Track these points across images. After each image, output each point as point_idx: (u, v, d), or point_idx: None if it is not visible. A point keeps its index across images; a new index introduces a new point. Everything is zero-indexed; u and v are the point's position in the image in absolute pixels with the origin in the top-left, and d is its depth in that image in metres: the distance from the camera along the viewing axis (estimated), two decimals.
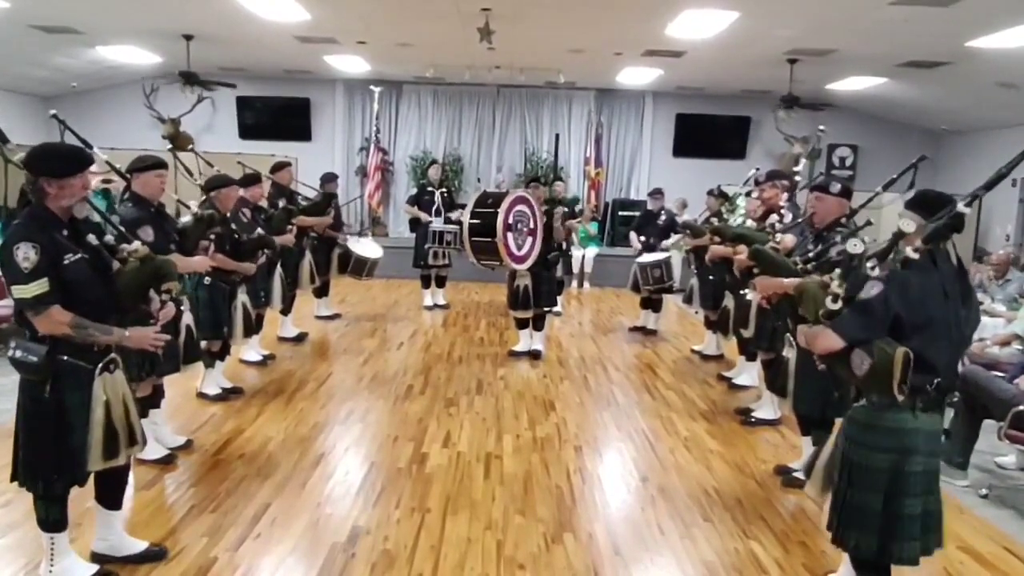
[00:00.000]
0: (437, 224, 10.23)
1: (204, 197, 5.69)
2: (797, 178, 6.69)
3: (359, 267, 9.40)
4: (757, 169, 8.04)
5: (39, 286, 3.12)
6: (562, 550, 4.11)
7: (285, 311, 8.29)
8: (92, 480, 3.55)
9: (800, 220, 5.46)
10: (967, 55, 9.43)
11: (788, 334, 4.80)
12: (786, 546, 4.25)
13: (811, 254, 4.21)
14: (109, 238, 3.50)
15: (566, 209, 8.85)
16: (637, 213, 11.37)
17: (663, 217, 9.70)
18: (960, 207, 3.00)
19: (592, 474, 5.21)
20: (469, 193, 13.69)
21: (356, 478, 4.95)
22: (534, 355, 8.17)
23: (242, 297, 6.18)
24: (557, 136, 14.62)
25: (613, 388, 7.32)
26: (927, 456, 3.15)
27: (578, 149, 15.58)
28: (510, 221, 7.52)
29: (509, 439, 5.78)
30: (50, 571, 3.47)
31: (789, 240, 5.07)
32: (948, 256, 3.17)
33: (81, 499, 3.73)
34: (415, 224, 10.60)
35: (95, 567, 3.60)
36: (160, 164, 4.81)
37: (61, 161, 3.28)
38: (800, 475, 5.04)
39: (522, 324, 8.30)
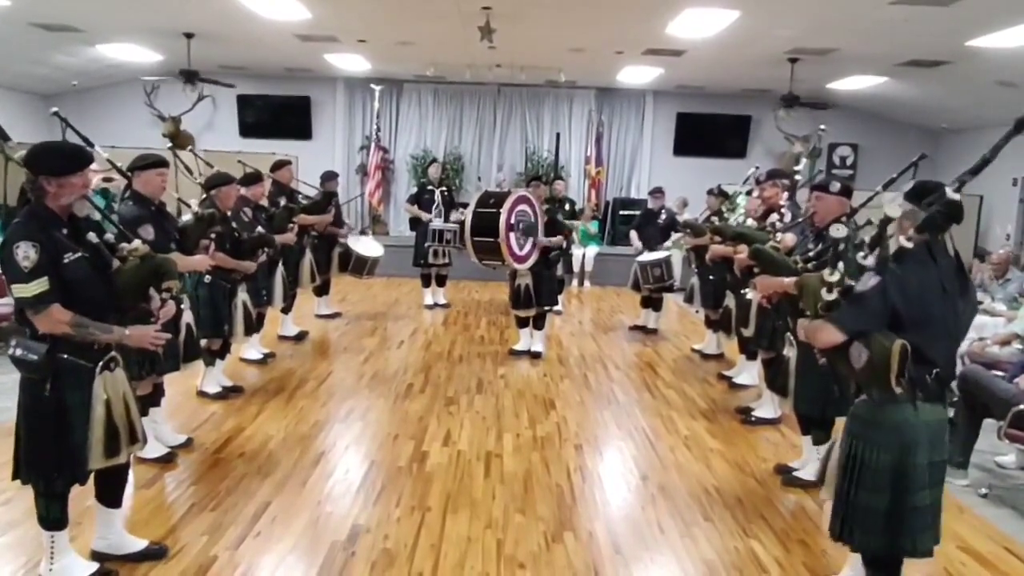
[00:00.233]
0: (437, 223, 10.23)
1: (204, 196, 5.69)
2: (797, 177, 6.69)
3: (359, 266, 9.40)
4: (757, 167, 8.03)
5: (39, 285, 3.12)
6: (562, 549, 4.11)
7: (286, 310, 8.30)
8: (92, 478, 3.54)
9: (800, 219, 5.46)
10: (967, 54, 9.42)
11: (788, 333, 4.80)
12: (786, 545, 4.25)
13: (811, 253, 4.21)
14: (109, 236, 3.49)
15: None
16: (637, 212, 11.37)
17: (663, 216, 9.70)
18: (949, 192, 3.00)
19: (592, 473, 5.22)
20: (470, 192, 13.72)
21: (356, 476, 4.95)
22: (534, 354, 8.17)
23: (242, 296, 6.17)
24: (558, 135, 14.63)
25: (613, 387, 7.32)
26: (931, 448, 3.15)
27: (579, 148, 15.58)
28: (512, 221, 7.52)
29: (509, 438, 5.78)
30: (50, 569, 3.47)
31: (789, 239, 5.07)
32: (946, 250, 3.17)
33: (81, 497, 3.73)
34: (415, 223, 10.61)
35: (95, 565, 3.60)
36: (161, 162, 4.81)
37: (61, 159, 3.28)
38: (801, 474, 5.06)
39: (523, 323, 8.30)
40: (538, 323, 8.25)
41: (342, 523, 4.29)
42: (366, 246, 9.70)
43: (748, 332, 6.30)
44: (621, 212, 14.81)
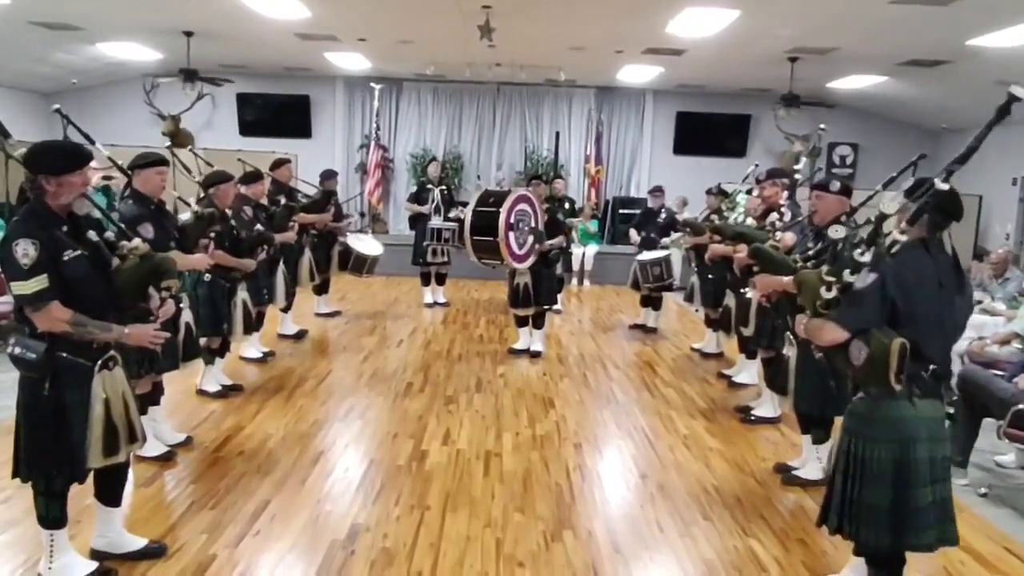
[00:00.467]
0: (436, 222, 10.23)
1: (203, 194, 5.69)
2: (797, 176, 6.68)
3: (359, 264, 9.40)
4: (756, 166, 8.03)
5: (38, 282, 3.12)
6: (561, 548, 4.11)
7: (285, 308, 8.30)
8: (92, 477, 3.55)
9: (800, 218, 5.46)
10: (967, 54, 9.43)
11: (788, 332, 4.80)
12: (785, 544, 4.25)
13: (811, 252, 4.21)
14: (110, 235, 3.49)
15: None
16: (637, 211, 11.38)
17: (663, 215, 9.70)
18: (937, 183, 3.00)
19: (592, 472, 5.22)
20: (469, 191, 13.72)
21: (356, 475, 4.95)
22: (533, 354, 8.17)
23: (242, 294, 6.17)
24: (557, 134, 14.63)
25: (613, 386, 7.33)
26: (931, 443, 3.15)
27: (578, 147, 15.58)
28: (512, 220, 7.52)
29: (509, 437, 5.78)
30: (50, 568, 3.47)
31: (789, 238, 5.07)
32: (943, 246, 3.18)
33: (81, 496, 3.73)
34: (415, 221, 10.61)
35: (94, 564, 3.60)
36: (161, 161, 4.81)
37: (59, 158, 3.28)
38: (800, 473, 5.07)
39: (522, 322, 8.30)
40: (537, 322, 8.24)
41: (341, 522, 4.29)
42: (366, 245, 9.69)
43: (748, 331, 6.30)
44: (621, 211, 14.83)
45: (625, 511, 4.66)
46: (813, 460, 5.00)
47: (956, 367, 5.59)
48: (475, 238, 7.76)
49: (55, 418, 3.29)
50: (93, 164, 3.45)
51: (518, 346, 8.34)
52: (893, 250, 3.07)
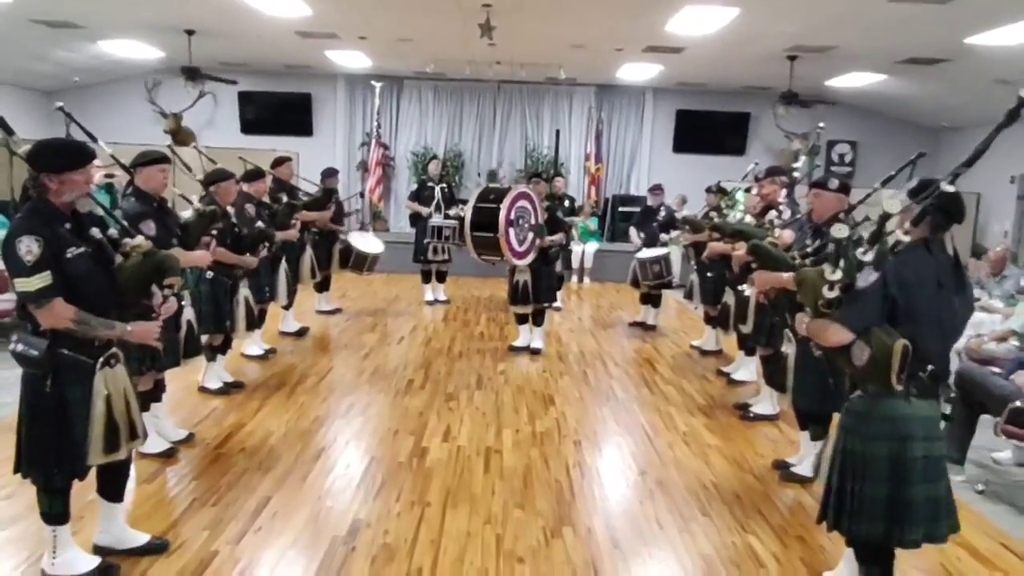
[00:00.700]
0: (436, 219, 10.26)
1: (204, 192, 5.71)
2: (795, 174, 6.70)
3: (360, 262, 9.43)
4: (756, 164, 8.05)
5: (42, 279, 3.13)
6: (561, 544, 4.13)
7: (287, 306, 8.32)
8: (94, 473, 3.57)
9: (799, 216, 5.48)
10: (966, 52, 9.43)
11: (787, 329, 4.82)
12: (784, 540, 4.27)
13: (809, 249, 4.23)
14: (113, 232, 3.50)
15: None
16: (637, 209, 11.39)
17: (663, 213, 9.72)
18: (943, 185, 3.02)
19: (591, 468, 5.24)
20: (470, 189, 13.72)
21: (356, 472, 4.98)
22: (534, 350, 8.20)
23: (244, 291, 6.20)
24: (557, 132, 14.61)
25: (612, 383, 7.35)
26: (926, 441, 3.17)
27: (578, 145, 15.58)
28: (512, 217, 7.54)
29: (509, 433, 5.80)
30: (52, 563, 3.50)
31: (788, 236, 5.09)
32: (944, 247, 3.20)
33: (83, 492, 3.75)
34: (415, 219, 10.63)
35: (97, 559, 3.62)
36: (163, 159, 4.83)
37: (62, 156, 3.29)
38: (798, 470, 5.09)
39: (522, 319, 8.32)
40: (537, 319, 8.27)
41: (342, 518, 4.31)
42: (366, 243, 9.71)
43: (747, 328, 6.32)
44: (620, 209, 14.84)
45: (624, 507, 4.68)
46: (811, 457, 5.02)
47: (954, 364, 5.61)
48: (475, 234, 7.77)
49: (57, 415, 3.30)
50: (96, 162, 3.46)
51: (518, 343, 8.37)
52: (895, 250, 3.09)
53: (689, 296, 8.64)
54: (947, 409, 4.81)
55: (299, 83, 15.15)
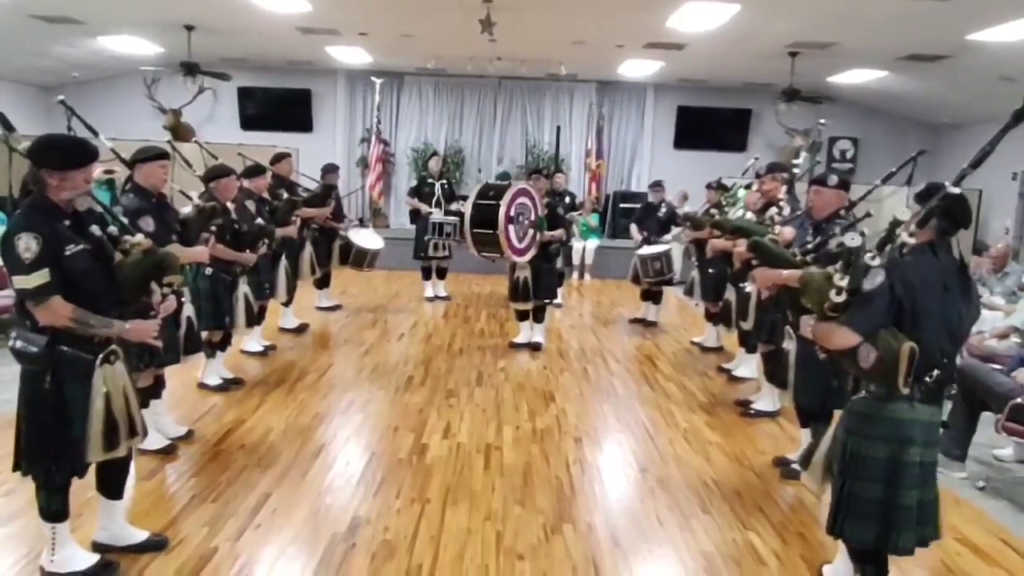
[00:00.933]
0: (437, 216, 10.25)
1: (205, 188, 5.70)
2: (796, 171, 6.69)
3: (360, 258, 9.41)
4: (756, 159, 8.04)
5: (40, 276, 3.12)
6: (561, 541, 4.13)
7: (287, 302, 8.31)
8: (94, 470, 3.56)
9: (799, 212, 5.47)
10: (967, 48, 9.41)
11: (788, 326, 4.81)
12: (784, 537, 4.27)
13: (810, 246, 4.22)
14: (113, 230, 3.48)
15: None
16: (638, 205, 11.34)
17: (664, 209, 9.71)
18: (949, 187, 3.01)
19: (591, 465, 5.23)
20: (470, 185, 13.70)
21: (356, 468, 4.97)
22: (534, 347, 8.19)
23: (243, 288, 6.19)
24: (558, 128, 14.60)
25: (613, 380, 7.34)
26: (924, 447, 3.17)
27: (579, 141, 15.57)
28: (512, 213, 7.53)
29: (509, 430, 5.80)
30: (51, 560, 3.49)
31: (788, 232, 5.08)
32: (950, 250, 3.18)
33: (83, 489, 3.74)
34: (415, 216, 10.63)
35: (96, 556, 3.61)
36: (163, 155, 4.81)
37: (65, 154, 3.26)
38: (798, 466, 5.08)
39: (522, 316, 8.32)
40: (538, 316, 8.26)
41: (342, 515, 4.31)
42: (366, 239, 9.70)
43: (747, 325, 6.31)
44: (621, 205, 14.84)
45: (625, 504, 4.67)
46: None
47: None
48: (475, 231, 7.76)
49: (56, 412, 3.29)
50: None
51: (519, 340, 8.36)
52: (901, 252, 3.08)
53: (690, 293, 8.63)
54: (947, 411, 4.80)
55: (299, 79, 15.15)
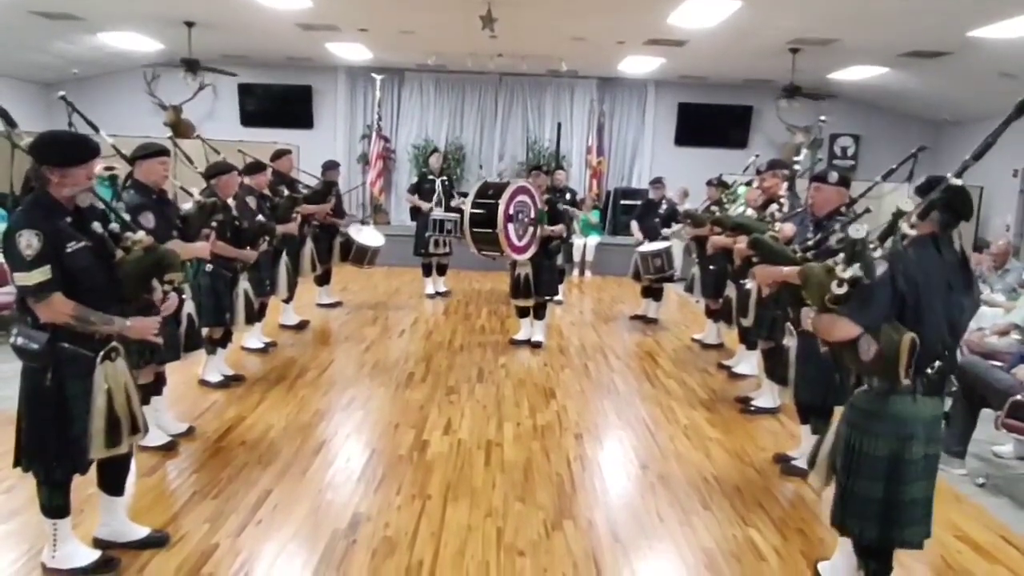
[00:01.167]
0: (437, 212, 10.26)
1: (206, 184, 5.70)
2: (796, 167, 6.69)
3: (360, 255, 9.42)
4: (757, 156, 8.04)
5: (41, 273, 3.12)
6: (562, 537, 4.13)
7: (287, 299, 8.31)
8: (95, 466, 3.56)
9: (800, 209, 5.47)
10: (968, 45, 9.41)
11: (788, 323, 4.81)
12: (784, 533, 4.27)
13: (810, 243, 4.22)
14: (114, 226, 3.48)
15: None
16: (638, 202, 11.37)
17: (664, 206, 9.72)
18: (951, 179, 3.02)
19: (592, 462, 5.24)
20: (471, 182, 13.69)
21: (357, 465, 4.98)
22: (535, 344, 8.19)
23: (244, 285, 6.18)
24: (559, 125, 14.61)
25: (613, 376, 7.34)
26: (927, 443, 3.17)
27: (580, 138, 15.56)
28: (511, 212, 7.53)
29: (510, 427, 5.80)
30: (53, 557, 3.50)
31: (789, 229, 5.07)
32: (951, 244, 3.18)
33: (84, 485, 3.74)
34: (416, 212, 10.64)
35: (97, 553, 3.62)
36: (163, 151, 4.81)
37: (67, 150, 3.26)
38: (799, 463, 5.07)
39: (523, 312, 8.32)
40: (539, 313, 8.26)
41: (343, 511, 4.31)
42: (367, 236, 9.71)
43: (748, 322, 6.31)
44: (622, 202, 14.82)
45: (625, 501, 4.68)
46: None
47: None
48: (474, 230, 7.76)
49: (57, 409, 3.30)
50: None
51: (519, 336, 8.36)
52: (902, 243, 3.08)
53: (690, 289, 8.62)
54: (948, 405, 4.81)
55: (299, 75, 15.14)
